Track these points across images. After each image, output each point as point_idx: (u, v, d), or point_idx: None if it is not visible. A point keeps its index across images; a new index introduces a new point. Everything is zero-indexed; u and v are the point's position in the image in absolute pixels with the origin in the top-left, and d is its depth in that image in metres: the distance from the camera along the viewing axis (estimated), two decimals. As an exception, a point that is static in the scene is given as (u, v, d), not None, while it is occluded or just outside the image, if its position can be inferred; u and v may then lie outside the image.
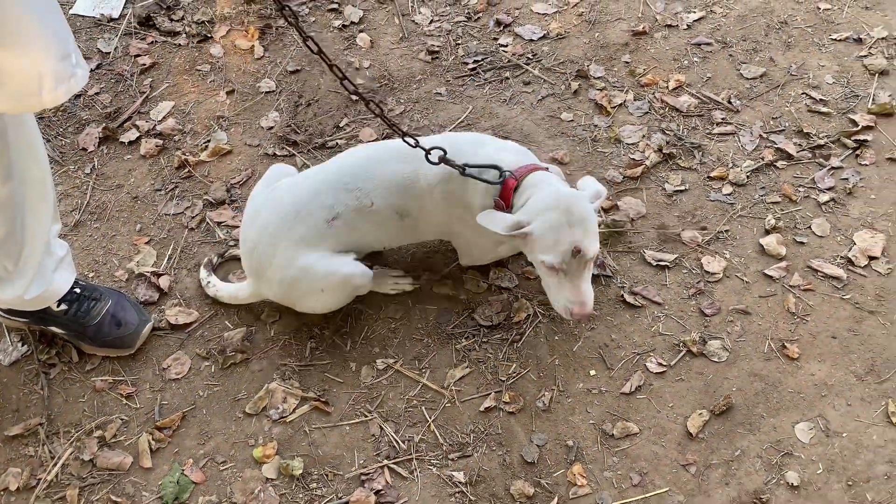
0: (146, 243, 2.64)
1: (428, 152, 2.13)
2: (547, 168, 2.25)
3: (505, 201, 2.17)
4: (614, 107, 2.94)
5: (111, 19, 3.29)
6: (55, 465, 2.19)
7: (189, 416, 2.29)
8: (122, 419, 2.29)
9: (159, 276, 2.54)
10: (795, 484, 2.09)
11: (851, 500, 2.07)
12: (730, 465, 2.15)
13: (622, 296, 2.45)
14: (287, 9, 1.88)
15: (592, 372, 2.31)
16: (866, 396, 2.24)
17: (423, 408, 2.28)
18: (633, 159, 2.77)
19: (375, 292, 2.45)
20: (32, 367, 2.37)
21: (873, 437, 2.17)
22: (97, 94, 3.05)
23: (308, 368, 2.37)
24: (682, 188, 2.71)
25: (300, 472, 2.16)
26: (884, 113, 2.85)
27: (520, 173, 2.17)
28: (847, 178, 2.69)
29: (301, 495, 2.14)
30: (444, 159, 2.13)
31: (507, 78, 3.06)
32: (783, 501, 2.08)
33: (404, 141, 2.13)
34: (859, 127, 2.80)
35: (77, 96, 3.01)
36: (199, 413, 2.29)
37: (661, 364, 2.32)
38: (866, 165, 2.72)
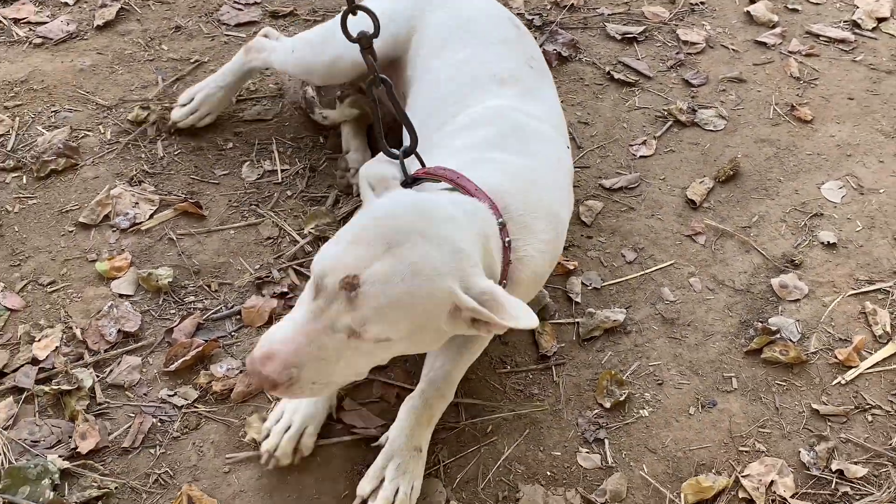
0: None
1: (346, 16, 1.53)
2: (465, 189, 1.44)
3: None
4: None
5: None
6: None
7: (-9, 236, 1.87)
8: None
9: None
10: (832, 242, 1.89)
11: (903, 254, 1.88)
12: (747, 231, 1.92)
13: (607, 71, 2.25)
14: None
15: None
16: (900, 152, 2.09)
17: (335, 193, 1.96)
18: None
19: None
20: None
21: (917, 189, 2.01)
22: None
23: (166, 172, 2.01)
24: (640, -38, 2.57)
25: (168, 281, 1.78)
26: None
27: (428, 172, 1.51)
28: (835, -52, 2.61)
29: (173, 311, 1.76)
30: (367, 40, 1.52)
31: None
32: (821, 261, 1.87)
33: None
34: None
35: None
36: (9, 231, 1.87)
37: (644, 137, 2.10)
38: (853, -64, 2.66)
